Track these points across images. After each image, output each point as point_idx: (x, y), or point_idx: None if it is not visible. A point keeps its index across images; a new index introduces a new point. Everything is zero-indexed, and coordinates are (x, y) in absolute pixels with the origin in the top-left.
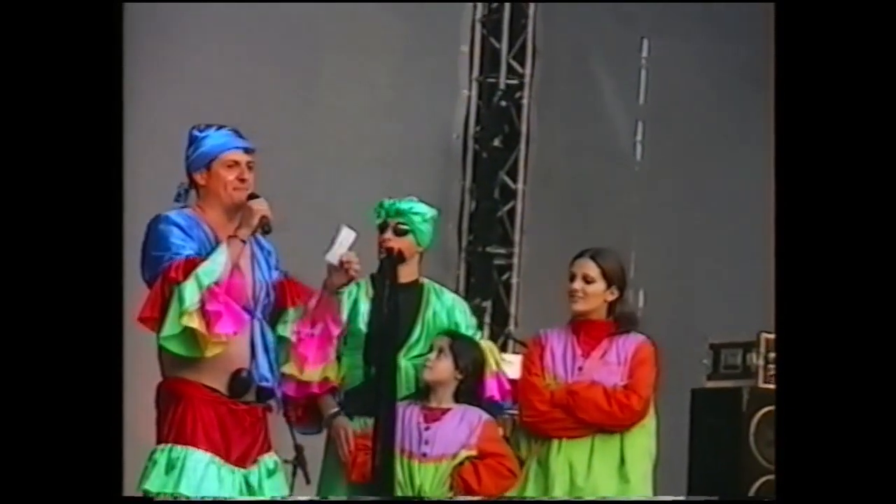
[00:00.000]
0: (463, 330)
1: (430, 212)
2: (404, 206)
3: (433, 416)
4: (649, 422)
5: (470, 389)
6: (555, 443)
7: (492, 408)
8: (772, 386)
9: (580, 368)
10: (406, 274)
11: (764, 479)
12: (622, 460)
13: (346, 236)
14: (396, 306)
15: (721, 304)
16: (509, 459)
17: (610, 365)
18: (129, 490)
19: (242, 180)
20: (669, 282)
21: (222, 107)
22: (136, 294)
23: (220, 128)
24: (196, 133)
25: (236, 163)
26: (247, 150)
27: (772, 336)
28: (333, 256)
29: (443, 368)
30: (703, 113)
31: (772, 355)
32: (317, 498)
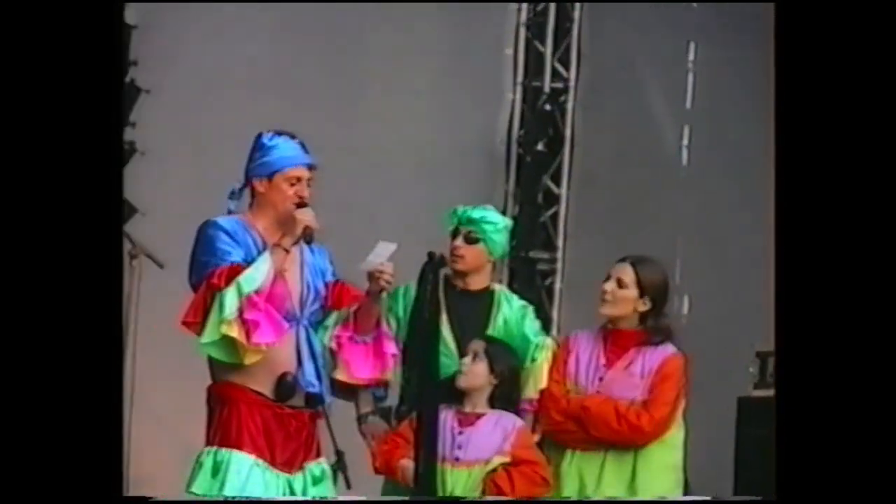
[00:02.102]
0: (532, 336)
1: (502, 221)
2: (476, 214)
3: (467, 420)
4: (673, 435)
5: (505, 395)
6: (568, 452)
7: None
8: None
9: (601, 379)
10: (477, 282)
11: None
12: (633, 475)
13: (383, 248)
14: (437, 311)
15: (768, 311)
16: (543, 467)
17: (633, 377)
18: (130, 490)
19: (301, 196)
20: (715, 288)
21: (266, 113)
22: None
23: (289, 138)
24: (265, 140)
25: (299, 179)
26: (310, 167)
27: None
28: (366, 265)
29: (478, 373)
30: (751, 118)
31: None
32: (324, 498)
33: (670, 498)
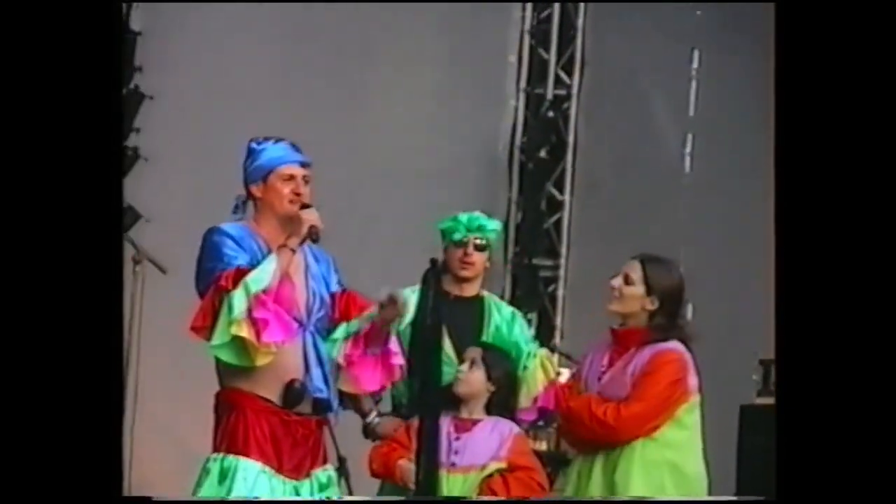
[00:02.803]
0: (522, 344)
1: (501, 225)
2: (483, 221)
3: (464, 426)
4: (663, 433)
5: (502, 402)
6: (572, 457)
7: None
8: None
9: (599, 379)
10: (472, 288)
11: None
12: (613, 471)
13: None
14: (440, 318)
15: (770, 319)
16: (539, 473)
17: (625, 376)
18: (130, 490)
19: (298, 194)
20: (718, 296)
21: (269, 119)
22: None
23: (277, 141)
24: (254, 145)
25: (292, 176)
26: (303, 164)
27: None
28: (383, 293)
29: (475, 380)
30: (753, 125)
31: None
32: (320, 498)
33: (672, 499)
